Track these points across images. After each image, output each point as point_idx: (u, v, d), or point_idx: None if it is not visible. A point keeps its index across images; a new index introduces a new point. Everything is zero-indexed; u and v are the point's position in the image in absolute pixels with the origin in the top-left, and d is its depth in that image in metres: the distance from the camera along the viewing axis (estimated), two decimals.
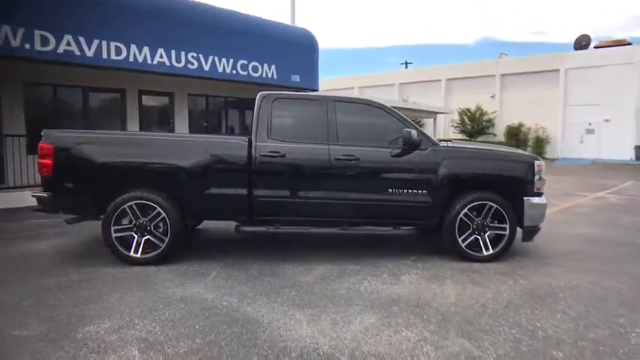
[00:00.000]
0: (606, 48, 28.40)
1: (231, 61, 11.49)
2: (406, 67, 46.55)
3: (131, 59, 9.62)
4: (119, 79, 10.88)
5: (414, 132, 4.82)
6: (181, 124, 12.98)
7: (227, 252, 5.38)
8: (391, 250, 5.51)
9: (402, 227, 5.19)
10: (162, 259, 4.84)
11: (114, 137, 5.20)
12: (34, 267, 4.83)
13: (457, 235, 5.03)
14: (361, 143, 5.04)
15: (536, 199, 5.12)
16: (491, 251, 5.06)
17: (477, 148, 5.52)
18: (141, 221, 4.77)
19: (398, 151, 4.96)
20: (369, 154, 4.94)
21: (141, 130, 11.85)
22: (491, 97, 31.20)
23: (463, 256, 5.06)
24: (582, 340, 3.22)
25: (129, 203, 4.73)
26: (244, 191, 4.83)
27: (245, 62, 11.81)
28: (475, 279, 4.53)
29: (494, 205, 5.00)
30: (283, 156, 4.81)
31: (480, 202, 5.00)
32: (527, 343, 3.17)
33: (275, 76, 12.56)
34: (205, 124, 13.86)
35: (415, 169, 4.99)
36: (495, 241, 5.11)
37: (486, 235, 5.08)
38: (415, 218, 5.08)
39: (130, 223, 4.79)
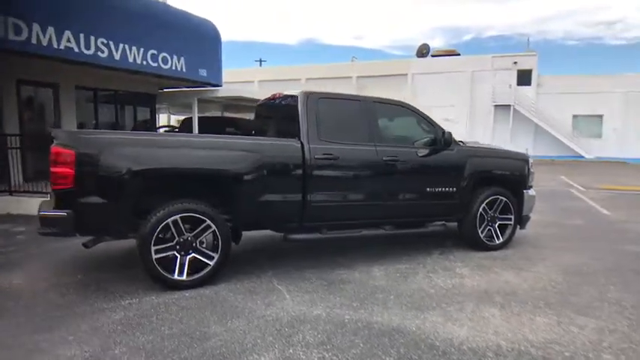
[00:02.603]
0: (440, 57, 33.10)
1: (142, 50, 10.21)
2: (260, 64, 46.86)
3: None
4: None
5: (448, 132, 5.11)
6: (68, 121, 11.01)
7: (258, 262, 4.93)
8: (413, 247, 5.71)
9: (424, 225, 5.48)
10: (209, 280, 4.21)
11: (154, 140, 4.28)
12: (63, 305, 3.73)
13: (478, 228, 5.51)
14: (397, 144, 5.16)
15: (531, 192, 5.91)
16: (502, 239, 5.68)
17: (490, 148, 6.08)
18: (185, 237, 4.07)
19: (430, 151, 5.19)
20: (408, 154, 5.07)
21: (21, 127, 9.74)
22: None
23: (481, 246, 5.56)
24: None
25: (174, 217, 3.99)
26: (299, 197, 4.50)
27: (155, 52, 10.62)
28: (512, 265, 5.04)
29: (504, 199, 5.62)
30: (336, 158, 4.62)
31: (493, 197, 5.56)
32: (626, 312, 3.74)
33: (184, 69, 11.58)
34: (95, 122, 12.00)
35: (447, 168, 5.30)
36: (500, 230, 5.74)
37: (496, 225, 5.67)
38: (445, 215, 5.40)
39: (173, 240, 4.05)
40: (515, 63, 29.70)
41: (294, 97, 4.79)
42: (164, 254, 4.01)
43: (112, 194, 3.83)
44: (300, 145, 4.52)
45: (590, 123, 28.00)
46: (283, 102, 5.13)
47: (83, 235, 3.98)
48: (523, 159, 5.93)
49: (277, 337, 3.19)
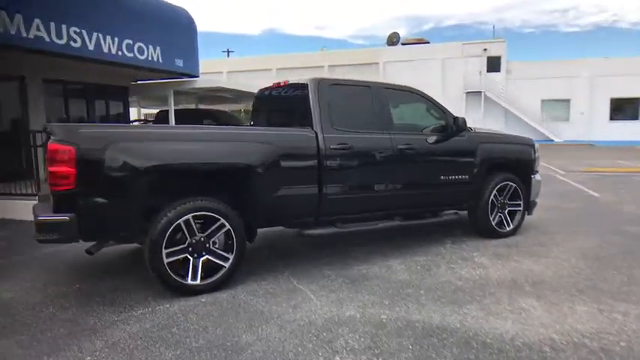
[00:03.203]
0: (410, 45, 33.19)
1: (117, 40, 9.60)
2: (228, 55, 45.90)
3: None
4: None
5: (462, 118, 4.94)
6: (36, 116, 10.28)
7: (271, 261, 4.65)
8: (423, 238, 5.54)
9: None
10: (224, 283, 3.91)
11: (163, 132, 3.89)
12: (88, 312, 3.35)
13: (490, 215, 5.39)
14: (410, 131, 4.97)
15: (537, 177, 5.84)
16: (512, 226, 5.59)
17: (500, 133, 5.95)
18: (197, 238, 3.75)
19: (442, 137, 5.01)
20: (422, 141, 4.87)
21: None
22: None
23: (492, 234, 5.46)
24: None
25: (186, 216, 3.66)
26: (314, 189, 4.23)
27: (130, 42, 10.02)
28: (529, 252, 4.94)
29: (514, 185, 5.52)
30: (350, 148, 4.37)
31: (503, 183, 5.45)
32: None
33: (160, 60, 10.99)
34: (65, 117, 11.28)
35: (460, 155, 5.15)
36: (510, 216, 5.64)
37: (506, 212, 5.57)
38: (459, 203, 5.25)
39: (184, 241, 3.72)
40: (485, 50, 30.09)
41: (303, 85, 4.49)
42: (176, 257, 3.68)
43: (118, 194, 3.46)
44: (314, 134, 4.24)
45: (558, 107, 28.74)
46: (290, 90, 4.82)
47: (87, 240, 3.59)
48: (529, 144, 5.84)
49: (318, 343, 2.94)
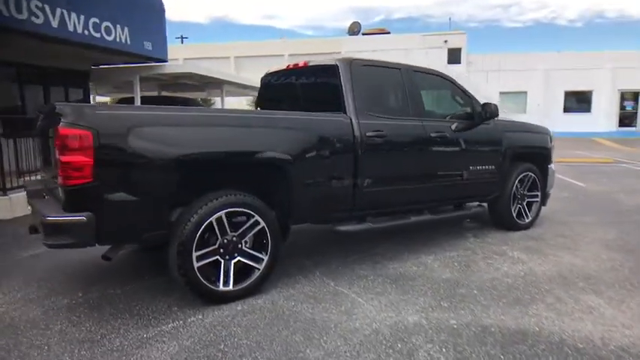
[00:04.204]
0: (372, 35, 33.11)
1: (82, 18, 8.68)
2: (182, 42, 44.11)
3: None
4: None
5: (494, 105, 4.69)
6: None
7: (297, 260, 4.21)
8: (440, 232, 5.27)
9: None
10: (257, 288, 3.45)
11: (196, 116, 3.32)
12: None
13: (511, 207, 5.21)
14: (440, 117, 4.66)
15: (552, 167, 5.72)
16: (530, 218, 5.43)
17: (518, 121, 5.73)
18: (229, 238, 3.26)
19: (469, 125, 4.73)
20: (451, 129, 4.57)
21: None
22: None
23: (513, 226, 5.28)
24: None
25: (218, 213, 3.16)
26: (350, 181, 3.83)
27: (97, 21, 9.10)
28: (558, 245, 4.78)
29: (533, 175, 5.36)
30: (385, 135, 3.99)
31: (524, 173, 5.28)
32: None
33: (129, 41, 10.10)
34: (21, 104, 10.17)
35: (487, 144, 4.91)
36: (527, 208, 5.49)
37: (524, 203, 5.41)
38: (484, 194, 5.01)
39: (215, 242, 3.22)
40: (446, 42, 30.44)
41: (331, 66, 4.05)
42: (207, 261, 3.18)
43: (144, 188, 2.90)
44: (349, 121, 3.83)
45: (516, 99, 29.58)
46: (312, 73, 4.36)
47: (104, 244, 3.00)
48: (547, 133, 5.70)
49: (398, 357, 2.57)
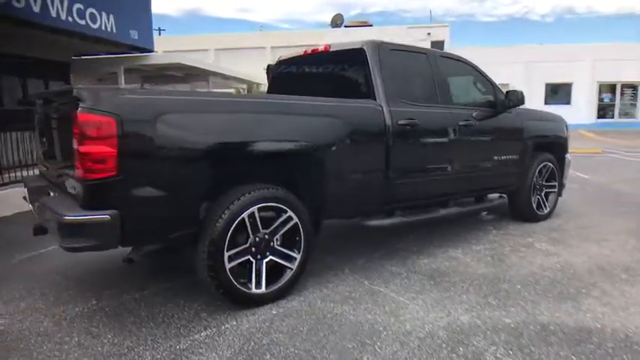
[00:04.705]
0: (354, 27, 32.88)
1: (66, 3, 8.17)
2: (159, 33, 43.03)
3: None
4: None
5: (520, 92, 4.51)
6: None
7: (319, 257, 3.95)
8: (456, 225, 5.09)
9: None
10: (289, 289, 3.19)
11: (230, 102, 3.03)
12: None
13: (531, 198, 5.06)
14: (466, 105, 4.46)
15: (569, 157, 5.60)
16: (548, 209, 5.31)
17: (534, 110, 5.57)
18: (260, 236, 2.99)
19: (493, 113, 4.54)
20: (477, 117, 4.37)
21: None
22: (265, 69, 32.01)
23: (533, 217, 5.15)
24: None
25: (251, 209, 2.88)
26: (382, 173, 3.59)
27: (81, 7, 8.59)
28: (582, 236, 4.64)
29: (552, 165, 5.23)
30: (417, 124, 3.76)
31: (544, 163, 5.14)
32: None
33: (114, 29, 9.62)
34: None
35: (511, 133, 4.75)
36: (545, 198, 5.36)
37: (542, 194, 5.27)
38: (507, 185, 4.83)
39: (246, 240, 2.95)
40: (429, 34, 30.43)
41: (358, 50, 3.79)
42: (238, 261, 2.90)
43: (173, 182, 2.60)
44: (380, 108, 3.59)
45: None
46: (337, 57, 4.09)
47: (128, 245, 2.69)
48: (563, 121, 5.57)
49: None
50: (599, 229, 4.91)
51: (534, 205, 5.12)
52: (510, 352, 2.44)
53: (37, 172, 4.08)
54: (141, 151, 2.48)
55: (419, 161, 3.87)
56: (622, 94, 27.96)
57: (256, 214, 2.92)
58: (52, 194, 3.07)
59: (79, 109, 2.35)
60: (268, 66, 5.73)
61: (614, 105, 27.86)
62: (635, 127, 24.10)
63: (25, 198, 3.57)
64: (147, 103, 2.52)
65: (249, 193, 2.87)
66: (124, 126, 2.39)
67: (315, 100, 3.31)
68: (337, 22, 33.49)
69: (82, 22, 8.59)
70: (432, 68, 4.13)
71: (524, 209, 5.09)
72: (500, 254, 4.10)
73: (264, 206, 2.95)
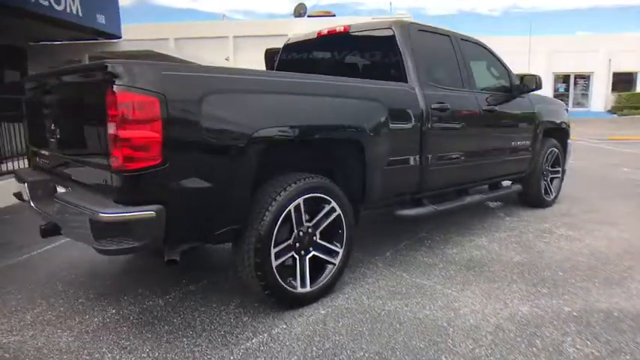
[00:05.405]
0: (317, 17, 32.58)
1: None
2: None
3: None
4: None
5: (538, 77, 4.43)
6: None
7: None
8: (469, 214, 4.99)
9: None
10: (332, 286, 2.96)
11: (283, 82, 2.70)
12: None
13: (540, 183, 5.05)
14: (486, 90, 4.34)
15: (571, 142, 5.63)
16: (553, 194, 5.32)
17: (542, 95, 5.51)
18: (304, 229, 2.74)
19: (508, 97, 4.45)
20: (497, 102, 4.26)
21: None
22: (226, 59, 31.23)
23: (541, 203, 5.14)
24: None
25: (297, 200, 2.62)
26: (417, 159, 3.41)
27: None
28: (596, 220, 4.67)
29: (557, 151, 5.24)
30: (447, 108, 3.60)
31: (551, 149, 5.13)
32: None
33: (80, 13, 8.93)
34: None
35: (525, 118, 4.68)
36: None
37: (548, 179, 5.28)
38: (520, 172, 4.77)
39: (290, 235, 2.69)
40: None
41: (386, 30, 3.57)
42: (283, 258, 2.64)
43: (222, 173, 2.29)
44: (414, 91, 3.39)
45: None
46: (360, 38, 3.84)
47: (170, 245, 2.35)
48: (564, 106, 5.59)
49: (548, 355, 2.22)
50: (606, 213, 4.96)
51: (542, 191, 5.10)
52: (588, 343, 2.32)
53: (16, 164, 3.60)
54: (186, 136, 2.16)
55: (448, 147, 3.71)
56: (575, 84, 29.25)
57: (302, 206, 2.66)
58: (63, 189, 2.67)
59: (116, 87, 2.00)
60: (267, 51, 5.41)
61: (568, 95, 29.07)
62: (588, 116, 25.24)
63: (17, 194, 3.13)
64: (193, 81, 2.19)
65: (295, 183, 2.61)
66: (168, 107, 2.07)
67: (362, 82, 3.07)
68: (300, 11, 33.06)
69: (45, 3, 7.89)
70: (455, 51, 3.97)
71: (533, 195, 5.06)
72: (526, 241, 4.04)
73: (309, 197, 2.69)
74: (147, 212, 2.04)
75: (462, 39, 4.13)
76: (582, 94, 29.42)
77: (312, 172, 2.79)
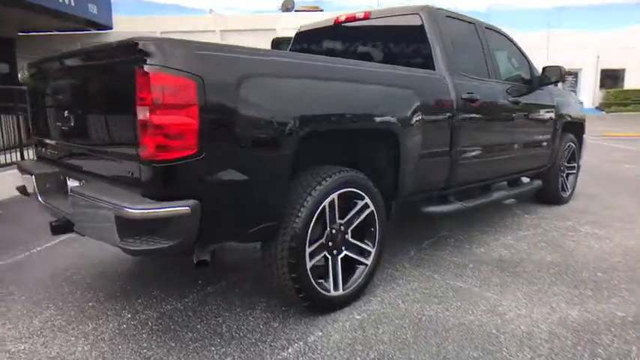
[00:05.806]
0: (305, 12, 32.29)
1: None
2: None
3: None
4: None
5: (563, 68, 4.27)
6: None
7: None
8: (486, 211, 4.83)
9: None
10: (364, 289, 2.76)
11: (327, 67, 2.46)
12: None
13: (558, 179, 4.92)
14: (510, 81, 4.17)
15: (586, 137, 5.50)
16: (569, 190, 5.19)
17: (558, 88, 5.36)
18: (336, 227, 2.53)
19: (528, 89, 4.26)
20: (522, 94, 4.09)
21: None
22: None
23: (558, 200, 5.00)
24: None
25: (332, 196, 2.41)
26: (447, 153, 3.22)
27: None
28: (619, 218, 4.53)
29: (574, 146, 5.11)
30: (477, 99, 3.41)
31: (568, 144, 5.00)
32: None
33: (72, 2, 8.56)
34: None
35: (548, 111, 4.51)
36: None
37: (564, 175, 5.14)
38: (541, 167, 4.60)
39: (323, 233, 2.47)
40: None
41: (413, 16, 3.37)
42: (317, 258, 2.43)
43: (260, 165, 2.07)
44: (445, 80, 3.20)
45: None
46: (384, 24, 3.63)
47: (203, 244, 2.12)
48: (579, 101, 5.45)
49: None
50: (623, 210, 4.84)
51: (560, 187, 4.97)
52: None
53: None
54: (224, 124, 1.92)
55: (477, 140, 3.52)
56: (564, 80, 29.42)
57: (335, 202, 2.45)
58: (76, 182, 2.42)
59: (148, 66, 1.76)
60: (274, 40, 5.19)
61: None
62: None
63: (21, 188, 2.86)
64: (230, 63, 1.96)
65: (330, 177, 2.39)
66: (205, 91, 1.83)
67: (396, 69, 2.86)
68: (288, 6, 32.64)
69: None
70: (480, 40, 3.79)
71: (551, 192, 4.92)
72: (553, 239, 3.88)
73: (344, 192, 2.48)
74: (182, 208, 1.81)
75: (486, 27, 3.95)
76: (571, 91, 29.65)
77: (342, 165, 2.58)
